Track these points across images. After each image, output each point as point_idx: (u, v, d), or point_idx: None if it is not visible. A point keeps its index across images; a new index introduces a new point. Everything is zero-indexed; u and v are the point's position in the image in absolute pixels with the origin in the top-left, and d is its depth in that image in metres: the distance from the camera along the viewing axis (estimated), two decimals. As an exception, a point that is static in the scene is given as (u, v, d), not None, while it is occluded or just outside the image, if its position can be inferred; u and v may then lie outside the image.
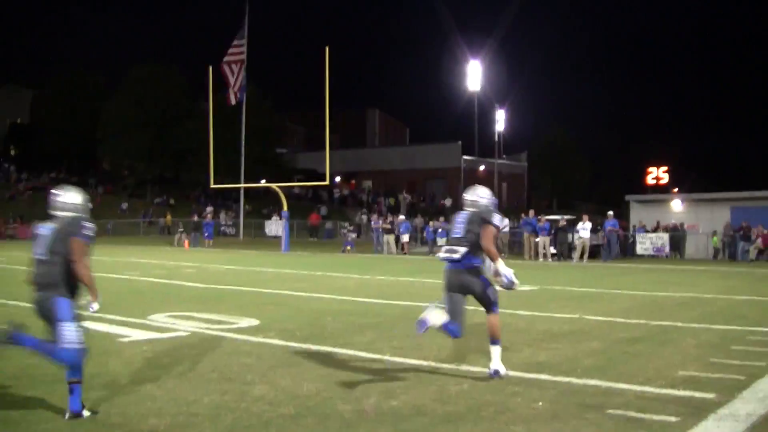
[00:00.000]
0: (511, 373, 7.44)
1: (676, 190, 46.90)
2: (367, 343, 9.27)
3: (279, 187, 40.23)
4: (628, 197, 41.38)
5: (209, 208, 53.28)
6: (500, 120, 55.62)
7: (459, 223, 7.10)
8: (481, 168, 69.88)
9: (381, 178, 73.14)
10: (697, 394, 6.64)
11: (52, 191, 6.06)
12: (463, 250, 6.88)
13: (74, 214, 5.84)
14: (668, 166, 45.57)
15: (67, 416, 5.65)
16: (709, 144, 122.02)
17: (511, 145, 74.54)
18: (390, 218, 40.33)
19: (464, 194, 7.39)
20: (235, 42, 45.98)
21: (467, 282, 6.89)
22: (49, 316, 5.60)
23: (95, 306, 5.80)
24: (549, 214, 38.25)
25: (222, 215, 56.26)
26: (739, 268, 25.44)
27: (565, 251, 32.22)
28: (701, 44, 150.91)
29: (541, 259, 31.25)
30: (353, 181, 72.53)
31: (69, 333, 5.54)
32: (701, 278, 18.26)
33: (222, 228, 52.58)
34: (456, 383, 7.03)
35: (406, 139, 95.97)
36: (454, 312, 6.88)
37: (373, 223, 40.41)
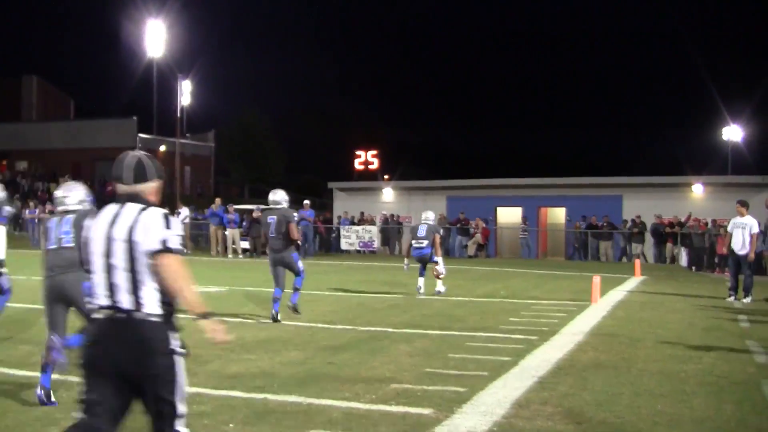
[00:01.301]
0: (198, 390, 7.12)
1: (386, 177, 48.67)
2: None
3: None
4: (331, 185, 42.37)
5: None
6: (185, 93, 54.65)
7: (422, 230, 16.44)
8: (161, 148, 68.28)
9: (39, 158, 69.18)
10: (413, 410, 6.68)
11: (270, 193, 12.91)
12: (426, 243, 16.23)
13: (286, 205, 12.55)
14: (378, 150, 47.07)
15: (289, 308, 12.59)
16: (422, 130, 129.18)
17: (197, 123, 73.64)
18: (50, 207, 38.22)
19: (422, 213, 17.00)
20: None
21: (426, 257, 16.26)
22: (286, 264, 12.44)
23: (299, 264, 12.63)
24: (240, 204, 38.19)
25: None
26: (457, 265, 26.81)
27: (258, 246, 32.29)
28: (415, 23, 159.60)
29: (230, 255, 31.08)
30: (5, 162, 67.82)
31: (302, 265, 12.53)
32: (414, 277, 18.96)
33: None
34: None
35: (70, 113, 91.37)
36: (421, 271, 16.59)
37: (28, 212, 38.03)
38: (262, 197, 68.29)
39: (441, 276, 16.39)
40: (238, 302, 14.68)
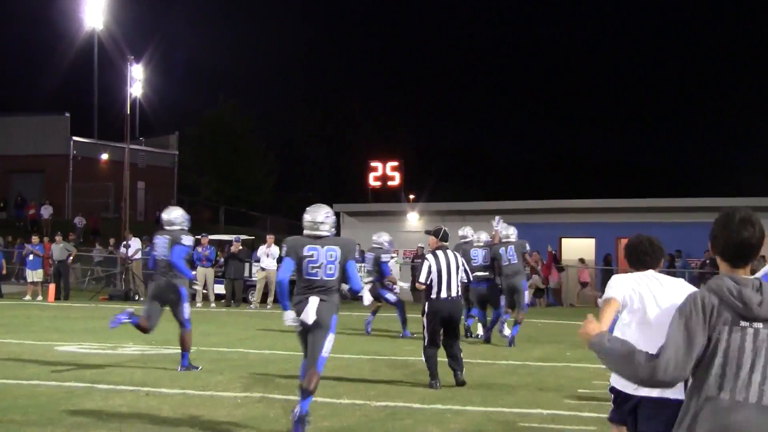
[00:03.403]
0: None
1: (412, 197, 48.59)
2: None
3: None
4: (337, 207, 42.41)
5: None
6: (137, 81, 54.76)
7: (513, 254, 20.33)
8: (104, 157, 68.17)
9: (-69, 169, 68.85)
10: None
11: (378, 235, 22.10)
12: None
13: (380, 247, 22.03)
14: (400, 161, 47.00)
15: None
16: (459, 135, 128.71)
17: (154, 122, 73.62)
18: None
19: (503, 230, 21.29)
20: None
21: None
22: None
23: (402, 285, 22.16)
24: (214, 233, 38.29)
25: None
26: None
27: (238, 292, 32.35)
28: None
29: (199, 304, 31.08)
30: None
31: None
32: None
33: None
34: None
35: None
36: None
37: None
38: (244, 224, 68.08)
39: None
40: (208, 368, 14.71)
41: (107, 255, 42.87)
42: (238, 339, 19.70)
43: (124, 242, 36.09)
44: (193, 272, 31.67)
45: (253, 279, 32.65)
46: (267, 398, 11.87)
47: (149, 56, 55.99)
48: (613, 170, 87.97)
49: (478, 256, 20.20)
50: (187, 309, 14.67)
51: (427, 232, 15.14)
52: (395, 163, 46.68)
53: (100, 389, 12.41)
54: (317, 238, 10.25)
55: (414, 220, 40.11)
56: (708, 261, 33.56)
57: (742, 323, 4.47)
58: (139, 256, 35.89)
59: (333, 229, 10.54)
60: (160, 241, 14.85)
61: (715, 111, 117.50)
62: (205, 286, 31.81)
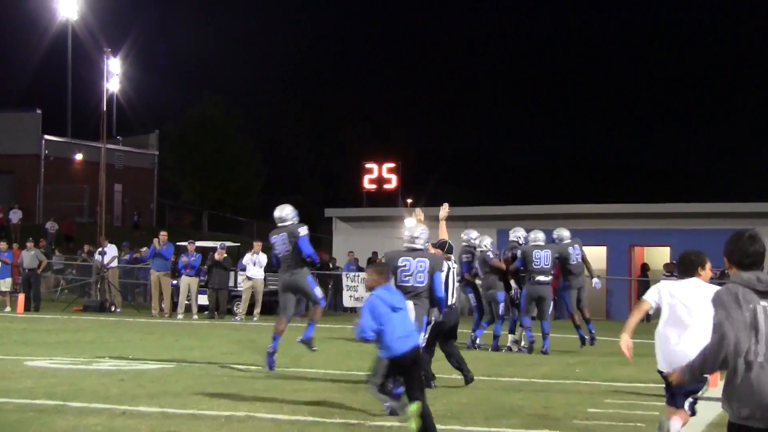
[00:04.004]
0: None
1: (409, 201, 48.43)
2: None
3: None
4: (330, 212, 42.25)
5: None
6: (114, 76, 54.63)
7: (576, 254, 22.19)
8: (78, 157, 67.94)
9: None
10: None
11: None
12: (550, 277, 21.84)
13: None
14: (397, 162, 46.83)
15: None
16: (460, 135, 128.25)
17: (133, 120, 73.43)
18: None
19: (530, 233, 22.04)
20: None
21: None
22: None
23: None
24: (198, 239, 38.18)
25: None
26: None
27: (222, 303, 32.25)
28: None
29: (180, 315, 31.00)
30: None
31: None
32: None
33: None
34: None
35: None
36: None
37: None
38: (229, 230, 67.80)
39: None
40: (189, 385, 14.67)
41: (81, 263, 42.60)
42: (222, 353, 19.64)
43: (100, 249, 35.80)
44: (175, 281, 31.71)
45: (239, 289, 32.53)
46: (253, 417, 11.79)
47: (127, 49, 55.84)
48: (625, 174, 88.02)
49: (541, 258, 20.84)
50: (319, 291, 17.25)
51: (432, 245, 15.55)
52: (392, 165, 46.39)
53: (72, 407, 12.35)
54: (413, 251, 13.28)
55: (410, 226, 39.74)
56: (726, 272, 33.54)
57: (763, 302, 5.93)
58: (115, 263, 35.72)
59: (428, 243, 13.64)
60: (279, 239, 16.87)
61: (733, 113, 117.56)
62: (188, 297, 31.64)
